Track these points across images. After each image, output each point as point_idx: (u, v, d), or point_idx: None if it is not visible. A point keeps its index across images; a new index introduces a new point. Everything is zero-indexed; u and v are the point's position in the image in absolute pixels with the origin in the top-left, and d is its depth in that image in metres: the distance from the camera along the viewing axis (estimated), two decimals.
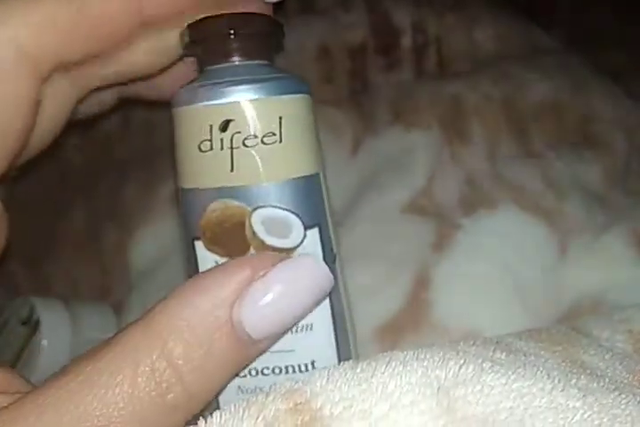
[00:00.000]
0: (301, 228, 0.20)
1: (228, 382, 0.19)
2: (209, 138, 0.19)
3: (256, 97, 0.19)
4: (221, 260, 0.20)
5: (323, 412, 0.15)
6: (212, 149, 0.19)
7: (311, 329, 0.20)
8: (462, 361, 0.16)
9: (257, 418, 0.16)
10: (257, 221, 0.20)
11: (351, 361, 0.17)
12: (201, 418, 0.16)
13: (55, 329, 0.27)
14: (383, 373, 0.16)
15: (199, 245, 0.20)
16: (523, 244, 0.30)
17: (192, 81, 0.21)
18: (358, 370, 0.16)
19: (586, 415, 0.15)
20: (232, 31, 0.20)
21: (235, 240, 0.20)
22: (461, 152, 0.33)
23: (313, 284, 0.19)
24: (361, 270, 0.29)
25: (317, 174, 0.21)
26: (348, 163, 0.33)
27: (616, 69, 0.40)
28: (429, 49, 0.37)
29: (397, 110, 0.35)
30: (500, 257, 0.30)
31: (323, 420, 0.15)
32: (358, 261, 0.29)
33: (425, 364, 0.16)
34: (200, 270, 0.20)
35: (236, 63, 0.20)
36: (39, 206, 0.37)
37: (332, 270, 0.20)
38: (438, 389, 0.16)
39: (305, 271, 0.19)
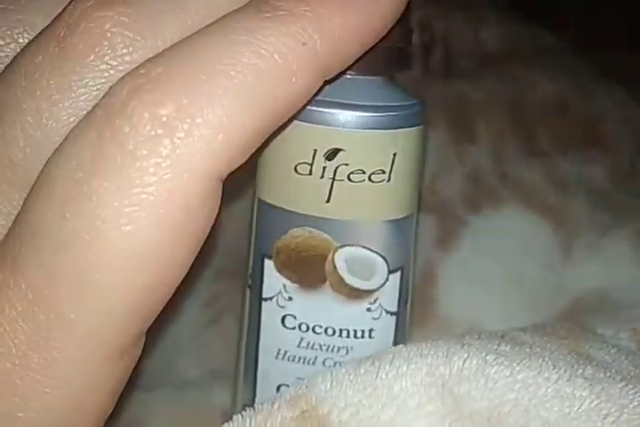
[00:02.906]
0: (385, 272, 0.19)
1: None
2: (310, 162, 0.18)
3: (373, 128, 0.17)
4: (291, 285, 0.19)
5: (330, 418, 0.15)
6: (310, 174, 0.18)
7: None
8: (466, 355, 0.16)
9: None
10: (341, 259, 0.19)
11: (353, 361, 0.16)
12: None
13: None
14: (387, 374, 0.16)
15: (269, 264, 0.19)
16: (527, 241, 0.30)
17: None
18: (362, 371, 0.16)
19: (593, 405, 0.15)
20: None
21: (311, 271, 0.19)
22: (466, 150, 0.33)
23: None
24: None
25: (413, 214, 0.19)
26: None
27: (621, 71, 0.40)
28: (435, 47, 0.37)
29: None
30: (505, 254, 0.30)
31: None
32: None
33: (429, 360, 0.16)
34: (264, 289, 0.19)
35: (350, 76, 0.17)
36: None
37: (403, 314, 0.20)
38: (443, 387, 0.15)
39: None
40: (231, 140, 0.13)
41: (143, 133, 0.13)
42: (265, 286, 0.19)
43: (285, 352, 0.20)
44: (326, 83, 0.15)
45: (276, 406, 0.16)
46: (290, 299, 0.19)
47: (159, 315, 0.14)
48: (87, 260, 0.13)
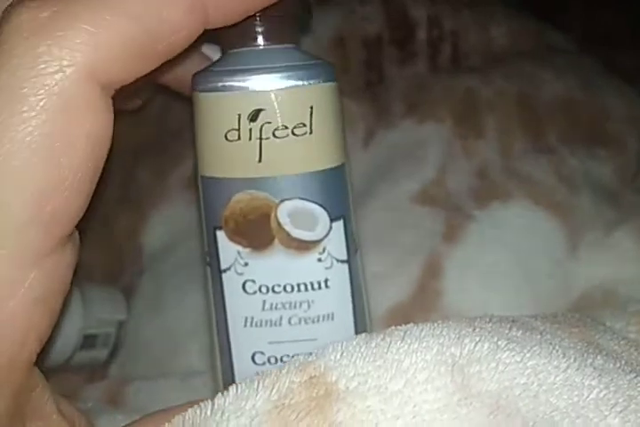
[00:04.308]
0: (327, 220, 0.20)
1: None
2: (237, 127, 0.19)
3: (287, 86, 0.19)
4: (244, 250, 0.20)
5: (337, 386, 0.15)
6: (239, 138, 0.19)
7: (332, 319, 0.20)
8: (478, 338, 0.16)
9: (271, 390, 0.16)
10: (283, 214, 0.19)
11: (365, 335, 0.17)
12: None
13: (66, 309, 0.27)
14: (398, 349, 0.16)
15: (221, 235, 0.20)
16: (534, 236, 0.30)
17: (214, 64, 0.20)
18: (373, 345, 0.16)
19: (601, 394, 0.15)
20: (257, 12, 0.18)
21: (259, 232, 0.19)
22: (474, 145, 0.33)
23: None
24: (372, 259, 0.29)
25: (343, 165, 0.20)
26: (360, 153, 0.33)
27: (628, 70, 0.40)
28: (444, 43, 0.37)
29: (411, 102, 0.35)
30: (511, 248, 0.30)
31: (338, 394, 0.15)
32: (370, 249, 0.29)
33: (441, 341, 0.16)
34: (221, 261, 0.20)
35: (261, 47, 0.19)
36: None
37: (354, 262, 0.20)
38: (453, 366, 0.16)
39: None
40: (107, 45, 0.15)
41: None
42: (221, 257, 0.20)
43: (252, 318, 0.20)
44: (206, 32, 0.17)
45: (284, 370, 0.16)
46: (246, 264, 0.20)
47: None
48: None
